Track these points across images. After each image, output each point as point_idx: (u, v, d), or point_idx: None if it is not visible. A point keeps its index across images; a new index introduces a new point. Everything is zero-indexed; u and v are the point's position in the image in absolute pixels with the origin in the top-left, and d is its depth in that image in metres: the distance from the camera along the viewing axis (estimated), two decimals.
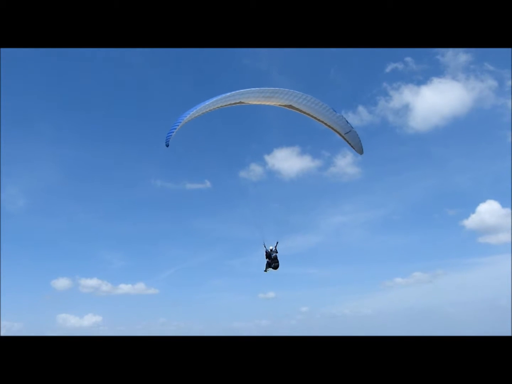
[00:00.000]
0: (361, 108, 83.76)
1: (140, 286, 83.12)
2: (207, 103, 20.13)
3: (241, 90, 20.19)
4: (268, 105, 21.72)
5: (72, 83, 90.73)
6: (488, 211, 72.13)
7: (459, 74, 79.04)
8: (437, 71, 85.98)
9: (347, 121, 21.69)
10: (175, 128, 20.52)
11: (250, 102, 21.18)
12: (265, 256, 24.22)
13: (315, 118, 21.89)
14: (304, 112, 21.73)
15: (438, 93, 78.88)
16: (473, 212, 74.60)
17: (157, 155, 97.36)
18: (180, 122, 20.33)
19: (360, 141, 22.53)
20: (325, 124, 22.01)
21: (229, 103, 20.78)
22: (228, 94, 20.10)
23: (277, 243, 23.97)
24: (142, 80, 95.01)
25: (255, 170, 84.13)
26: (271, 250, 24.34)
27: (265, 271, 24.20)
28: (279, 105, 21.49)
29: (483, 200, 75.20)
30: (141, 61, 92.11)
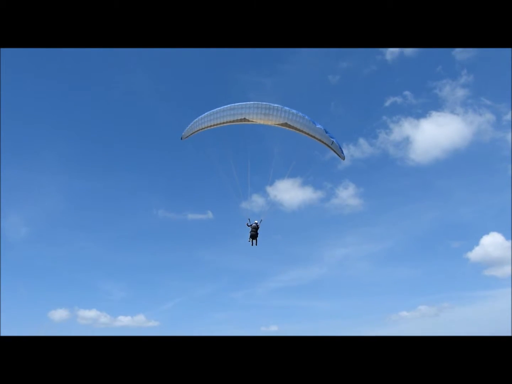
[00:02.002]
0: (362, 141, 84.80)
1: (140, 318, 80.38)
2: (215, 114, 24.18)
3: (243, 103, 23.86)
4: (268, 127, 24.98)
5: (77, 112, 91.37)
6: (492, 243, 71.81)
7: (458, 108, 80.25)
8: (435, 105, 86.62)
9: (329, 135, 25.42)
10: (190, 133, 25.80)
11: (252, 119, 24.27)
12: (250, 228, 26.97)
13: (307, 134, 25.02)
14: (298, 129, 24.77)
15: (438, 126, 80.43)
16: (477, 244, 74.35)
17: (159, 185, 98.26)
18: (196, 128, 25.08)
19: (340, 149, 26.38)
20: (315, 138, 25.23)
21: (234, 118, 24.24)
22: (233, 105, 23.81)
23: (261, 220, 27.24)
24: (147, 110, 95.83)
25: (257, 201, 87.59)
26: (256, 223, 27.11)
27: (253, 243, 27.07)
28: (277, 124, 24.51)
29: (486, 232, 74.87)
30: (148, 91, 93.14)
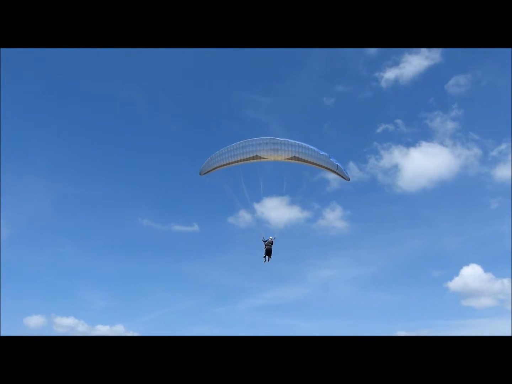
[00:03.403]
0: (351, 165, 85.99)
1: (119, 329, 77.21)
2: (230, 152, 26.34)
3: (253, 140, 25.99)
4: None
5: (68, 117, 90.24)
6: (471, 275, 74.33)
7: (447, 140, 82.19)
8: (425, 135, 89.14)
9: (333, 160, 27.24)
10: (206, 171, 28.38)
11: (263, 156, 26.39)
12: (266, 245, 28.20)
13: (314, 164, 26.78)
14: (306, 161, 26.50)
15: (426, 156, 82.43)
16: (457, 274, 76.71)
17: (146, 194, 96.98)
18: (212, 166, 27.57)
19: (345, 171, 28.03)
20: (322, 166, 27.08)
21: (247, 156, 26.49)
22: (244, 143, 26.00)
23: (275, 237, 28.60)
24: (139, 119, 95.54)
25: (244, 217, 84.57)
26: (271, 239, 28.30)
27: (267, 259, 28.46)
28: (286, 159, 26.39)
29: (466, 263, 77.39)
30: (142, 101, 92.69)
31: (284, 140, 26.39)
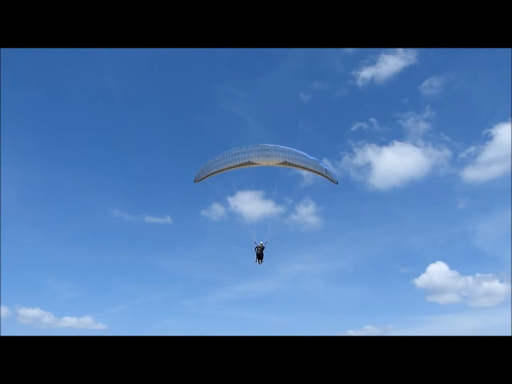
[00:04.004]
0: (325, 161, 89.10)
1: (86, 320, 75.64)
2: (223, 159, 27.17)
3: (245, 147, 26.91)
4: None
5: (37, 105, 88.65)
6: (437, 272, 76.37)
7: (419, 140, 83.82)
8: (398, 135, 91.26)
9: (322, 165, 28.36)
10: (201, 178, 29.22)
11: (256, 162, 27.20)
12: (256, 249, 29.57)
13: (304, 168, 27.88)
14: (296, 165, 27.59)
15: (399, 155, 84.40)
16: (424, 271, 78.73)
17: (118, 184, 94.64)
18: (207, 173, 28.47)
19: (333, 175, 28.98)
20: (311, 170, 28.07)
21: (241, 162, 27.29)
22: (237, 150, 26.97)
23: (266, 242, 29.79)
24: (113, 109, 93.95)
25: (217, 210, 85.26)
26: (261, 244, 29.66)
27: (259, 262, 29.72)
28: (277, 164, 27.46)
29: (433, 261, 79.80)
30: (117, 91, 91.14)
31: (275, 146, 27.35)
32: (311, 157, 27.68)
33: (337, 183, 29.02)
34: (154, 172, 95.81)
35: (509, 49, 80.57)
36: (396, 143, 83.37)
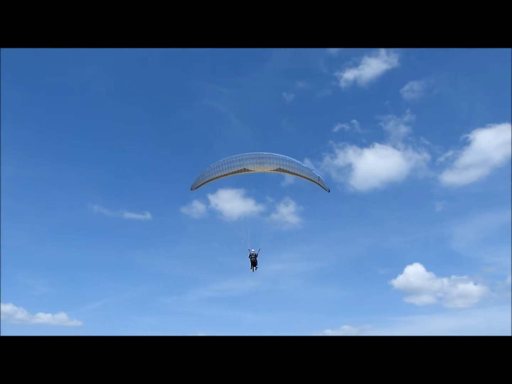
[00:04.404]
0: (307, 161, 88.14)
1: (61, 317, 72.97)
2: (220, 166, 27.86)
3: (241, 155, 27.82)
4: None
5: (17, 97, 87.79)
6: (414, 273, 77.72)
7: (399, 143, 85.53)
8: (379, 137, 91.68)
9: (315, 173, 29.37)
10: (197, 185, 29.88)
11: (251, 169, 28.03)
12: (250, 257, 30.89)
13: (297, 175, 28.71)
14: (290, 172, 28.59)
15: (379, 158, 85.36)
16: (401, 273, 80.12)
17: (97, 179, 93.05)
18: (203, 180, 29.15)
19: (325, 183, 29.96)
20: (304, 177, 28.95)
21: (236, 169, 28.06)
22: (233, 158, 27.76)
23: (259, 249, 31.01)
24: (94, 104, 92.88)
25: (198, 207, 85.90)
26: (253, 251, 30.93)
27: (254, 269, 30.81)
28: (272, 170, 28.42)
29: (410, 262, 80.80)
30: (99, 85, 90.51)
31: (269, 154, 28.19)
32: (304, 165, 28.69)
33: (329, 191, 29.93)
34: (135, 168, 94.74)
35: (489, 54, 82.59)
36: (377, 145, 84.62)
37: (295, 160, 28.51)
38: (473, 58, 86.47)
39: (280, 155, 28.32)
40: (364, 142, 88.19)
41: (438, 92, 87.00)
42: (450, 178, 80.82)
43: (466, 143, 79.74)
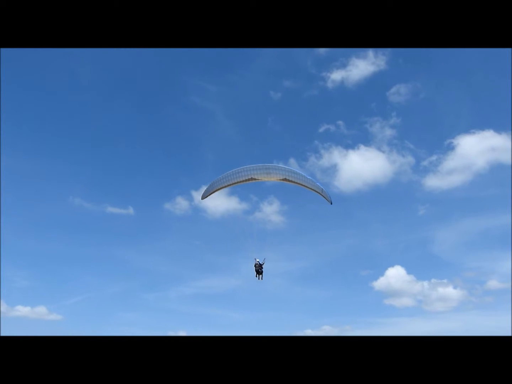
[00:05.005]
0: (292, 161, 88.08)
1: (41, 310, 72.90)
2: (229, 176, 29.67)
3: (250, 166, 29.52)
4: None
5: None
6: (395, 275, 77.77)
7: (384, 146, 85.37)
8: (365, 139, 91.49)
9: (319, 184, 30.17)
10: (207, 194, 31.92)
11: (258, 178, 29.66)
12: (255, 266, 32.01)
13: (302, 185, 30.00)
14: (295, 182, 29.91)
15: (364, 160, 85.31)
16: (382, 275, 79.62)
17: (80, 172, 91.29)
18: (214, 189, 31.18)
19: (328, 195, 30.54)
20: (308, 188, 30.11)
21: (244, 179, 29.77)
22: (241, 168, 29.51)
23: (264, 259, 32.21)
24: (79, 98, 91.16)
25: (181, 203, 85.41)
26: (258, 261, 32.06)
27: (259, 277, 32.04)
28: (278, 179, 29.98)
29: (392, 264, 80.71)
30: (84, 79, 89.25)
31: (275, 165, 29.92)
32: (308, 177, 29.83)
33: (331, 203, 30.65)
34: (119, 162, 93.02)
35: (476, 59, 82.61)
36: (362, 147, 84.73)
37: (299, 171, 29.93)
38: (461, 63, 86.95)
39: (286, 166, 29.98)
40: (349, 143, 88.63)
41: (425, 96, 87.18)
42: (433, 182, 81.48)
43: (450, 148, 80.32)
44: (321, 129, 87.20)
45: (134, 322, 77.91)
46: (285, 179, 29.70)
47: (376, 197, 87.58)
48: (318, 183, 29.88)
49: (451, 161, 79.28)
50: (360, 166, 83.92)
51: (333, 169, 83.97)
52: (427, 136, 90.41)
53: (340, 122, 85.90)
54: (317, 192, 30.07)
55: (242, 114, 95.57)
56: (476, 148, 77.59)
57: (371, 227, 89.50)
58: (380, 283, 77.50)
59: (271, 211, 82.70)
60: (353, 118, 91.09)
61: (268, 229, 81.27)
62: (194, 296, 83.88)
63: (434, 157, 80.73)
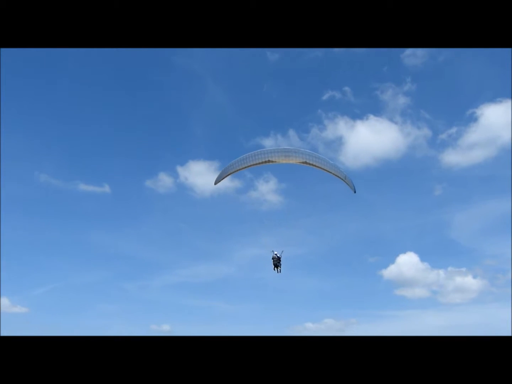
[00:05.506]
0: (291, 132, 77.08)
1: (3, 302, 65.29)
2: (245, 159, 27.90)
3: (268, 149, 28.09)
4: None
5: None
6: (407, 263, 69.27)
7: (397, 116, 74.50)
8: (375, 108, 79.73)
9: (342, 170, 28.61)
10: (221, 178, 29.98)
11: (275, 160, 27.86)
12: (273, 259, 30.09)
13: (324, 169, 28.15)
14: (316, 166, 28.11)
15: (374, 132, 73.85)
16: (393, 262, 71.12)
17: (47, 145, 77.77)
18: (229, 172, 29.36)
19: (352, 183, 29.10)
20: (330, 172, 28.32)
21: (260, 161, 27.88)
22: (258, 151, 27.74)
23: (282, 251, 30.32)
24: (44, 70, 79.50)
25: (164, 180, 75.60)
26: (276, 254, 30.16)
27: (278, 271, 30.28)
28: (297, 162, 28.01)
29: (403, 251, 72.11)
30: (53, 52, 78.87)
31: (295, 148, 28.06)
32: (331, 162, 28.19)
33: (355, 192, 28.89)
34: (93, 134, 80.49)
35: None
36: (372, 117, 74.06)
37: (323, 157, 28.10)
38: None
39: (307, 150, 28.10)
40: (357, 113, 79.78)
41: (444, 59, 75.49)
42: (452, 158, 72.18)
43: (472, 119, 70.70)
44: (325, 97, 77.40)
45: (112, 315, 69.74)
46: (305, 162, 27.64)
47: (387, 174, 78.60)
48: (341, 169, 28.10)
49: (473, 134, 69.96)
50: (369, 139, 74.19)
51: (338, 142, 74.95)
52: (446, 106, 79.67)
53: (347, 89, 76.48)
54: (340, 179, 28.23)
55: (234, 79, 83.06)
56: (502, 120, 66.64)
57: (380, 208, 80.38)
58: (390, 272, 70.35)
59: (267, 190, 74.74)
60: (362, 84, 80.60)
61: (264, 210, 73.71)
62: (180, 285, 76.09)
63: (453, 130, 71.92)
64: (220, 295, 74.57)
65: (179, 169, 76.14)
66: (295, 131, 76.93)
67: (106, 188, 74.74)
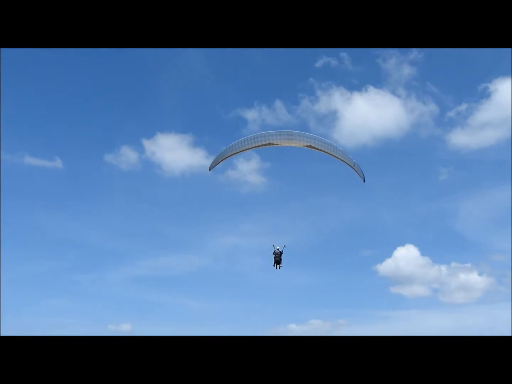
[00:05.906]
0: (278, 104, 66.16)
1: None
2: (243, 142, 26.13)
3: (269, 132, 26.16)
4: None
5: None
6: (405, 257, 61.05)
7: (400, 89, 65.36)
8: (375, 79, 71.12)
9: (351, 157, 26.60)
10: (216, 162, 27.61)
11: (277, 143, 26.29)
12: (274, 256, 28.52)
13: (331, 154, 26.62)
14: (322, 150, 26.51)
15: (373, 106, 64.29)
16: (389, 256, 62.15)
17: None
18: (222, 157, 27.08)
19: (361, 171, 27.05)
20: (338, 158, 26.60)
21: (261, 143, 26.19)
22: (259, 134, 25.95)
23: (284, 246, 28.69)
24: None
25: (127, 155, 64.57)
26: (278, 249, 28.56)
27: (278, 267, 28.62)
28: (301, 145, 26.37)
29: (402, 243, 63.25)
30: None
31: (299, 132, 26.00)
32: (339, 147, 26.36)
33: (364, 181, 27.07)
34: (44, 99, 68.24)
35: None
36: (371, 89, 64.76)
37: (329, 141, 26.26)
38: None
39: (311, 134, 26.18)
40: (355, 83, 69.62)
41: None
42: (460, 139, 63.26)
43: (485, 95, 62.50)
44: (319, 63, 67.14)
45: (62, 312, 60.12)
46: (310, 146, 25.76)
47: (387, 155, 68.93)
48: (350, 155, 26.28)
49: (485, 112, 61.05)
50: (368, 114, 64.62)
51: (332, 117, 65.23)
52: (456, 78, 69.68)
53: (343, 55, 65.36)
54: (349, 165, 26.38)
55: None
56: None
57: (377, 194, 69.33)
58: (386, 266, 62.09)
59: (248, 170, 64.74)
60: (361, 49, 67.51)
61: (244, 192, 64.84)
62: (142, 279, 65.77)
63: (463, 106, 62.76)
64: (191, 291, 65.09)
65: (145, 142, 66.36)
66: (283, 102, 67.10)
67: (58, 163, 64.35)
